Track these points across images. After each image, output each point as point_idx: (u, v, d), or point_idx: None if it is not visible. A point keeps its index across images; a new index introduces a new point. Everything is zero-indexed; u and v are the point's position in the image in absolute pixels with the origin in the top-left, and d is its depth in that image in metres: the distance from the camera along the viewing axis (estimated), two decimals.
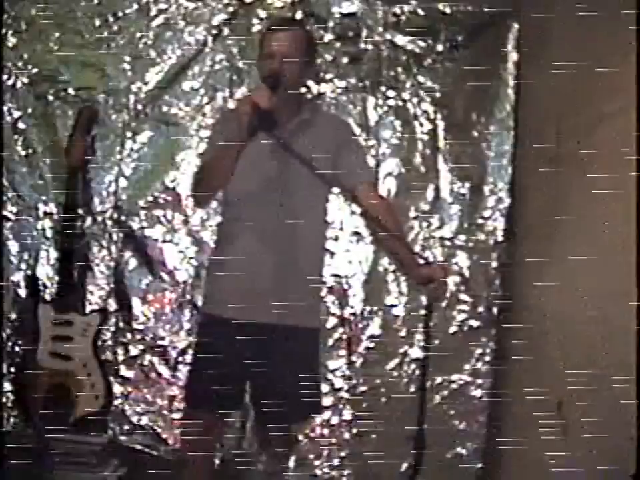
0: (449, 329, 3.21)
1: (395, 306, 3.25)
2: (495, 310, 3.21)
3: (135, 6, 3.25)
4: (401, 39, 3.27)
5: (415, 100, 3.27)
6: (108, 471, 2.91)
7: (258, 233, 2.40)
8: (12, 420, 3.12)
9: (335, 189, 2.65)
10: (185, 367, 3.13)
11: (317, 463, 3.22)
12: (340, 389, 3.23)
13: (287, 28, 2.42)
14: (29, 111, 3.25)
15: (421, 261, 2.40)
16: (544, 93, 2.99)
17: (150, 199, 3.26)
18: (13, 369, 3.15)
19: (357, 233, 3.26)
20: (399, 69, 3.26)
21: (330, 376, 3.20)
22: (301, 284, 2.43)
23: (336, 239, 3.21)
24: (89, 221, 3.24)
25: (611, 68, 2.35)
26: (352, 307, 3.25)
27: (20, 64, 3.23)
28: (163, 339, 3.24)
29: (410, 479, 2.22)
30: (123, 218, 3.25)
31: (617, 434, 2.10)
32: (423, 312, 2.32)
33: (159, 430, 3.21)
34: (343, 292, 3.25)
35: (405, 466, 3.10)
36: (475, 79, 3.24)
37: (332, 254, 3.17)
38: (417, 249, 3.18)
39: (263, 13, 3.24)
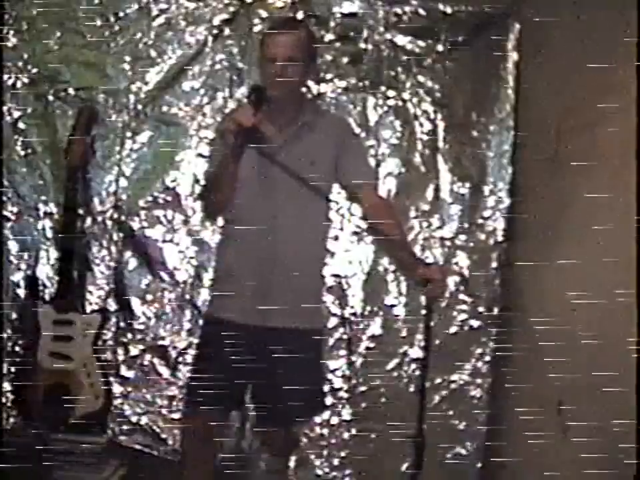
0: (449, 328, 3.21)
1: (395, 306, 3.25)
2: (495, 310, 3.21)
3: (136, 6, 3.24)
4: (401, 39, 3.26)
5: (415, 100, 3.27)
6: (108, 471, 2.91)
7: (259, 235, 2.40)
8: (12, 420, 3.12)
9: (335, 190, 2.65)
10: (185, 367, 3.14)
11: (317, 462, 3.22)
12: (340, 389, 3.23)
13: (288, 31, 2.41)
14: (29, 111, 3.24)
15: (420, 262, 2.41)
16: (544, 93, 2.99)
17: (150, 199, 3.26)
18: (12, 369, 3.15)
19: (356, 233, 3.26)
20: (399, 69, 3.26)
21: (330, 376, 3.19)
22: (302, 286, 2.43)
23: (336, 239, 3.21)
24: (88, 221, 3.24)
25: (611, 68, 2.35)
26: (352, 307, 3.25)
27: (20, 64, 3.22)
28: (163, 339, 3.24)
29: (410, 478, 2.22)
30: (122, 218, 3.25)
31: (617, 434, 2.10)
32: (423, 312, 2.32)
33: (159, 430, 3.21)
34: (343, 292, 3.25)
35: (405, 466, 3.10)
36: (474, 79, 3.25)
37: (332, 254, 3.17)
38: (417, 249, 3.18)
39: (263, 13, 3.24)
